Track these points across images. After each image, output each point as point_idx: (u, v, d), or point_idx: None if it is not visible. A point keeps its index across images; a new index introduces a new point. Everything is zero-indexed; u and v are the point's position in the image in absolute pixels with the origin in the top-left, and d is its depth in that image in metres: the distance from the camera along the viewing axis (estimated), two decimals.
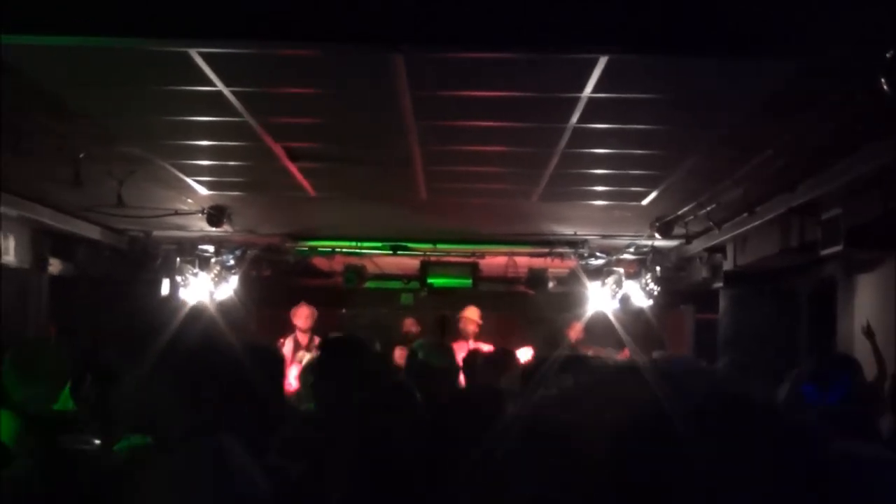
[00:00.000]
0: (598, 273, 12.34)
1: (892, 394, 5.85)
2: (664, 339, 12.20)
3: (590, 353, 11.47)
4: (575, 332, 11.99)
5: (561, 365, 5.39)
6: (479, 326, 11.55)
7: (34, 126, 6.21)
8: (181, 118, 6.40)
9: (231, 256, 11.97)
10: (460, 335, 11.31)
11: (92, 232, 10.76)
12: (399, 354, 11.77)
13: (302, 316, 11.31)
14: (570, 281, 12.64)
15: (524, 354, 10.36)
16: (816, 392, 4.58)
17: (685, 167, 7.38)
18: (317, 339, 11.12)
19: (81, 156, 6.97)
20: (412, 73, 5.20)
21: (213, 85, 5.46)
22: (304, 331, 11.10)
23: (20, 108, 5.83)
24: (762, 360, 9.30)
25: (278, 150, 7.13)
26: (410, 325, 12.41)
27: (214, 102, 5.83)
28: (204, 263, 11.84)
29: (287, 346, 11.13)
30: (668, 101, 5.68)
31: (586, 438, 2.02)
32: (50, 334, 10.26)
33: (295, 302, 12.03)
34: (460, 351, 9.84)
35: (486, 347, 10.69)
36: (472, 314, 11.47)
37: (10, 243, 9.28)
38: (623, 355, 11.48)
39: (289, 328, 11.49)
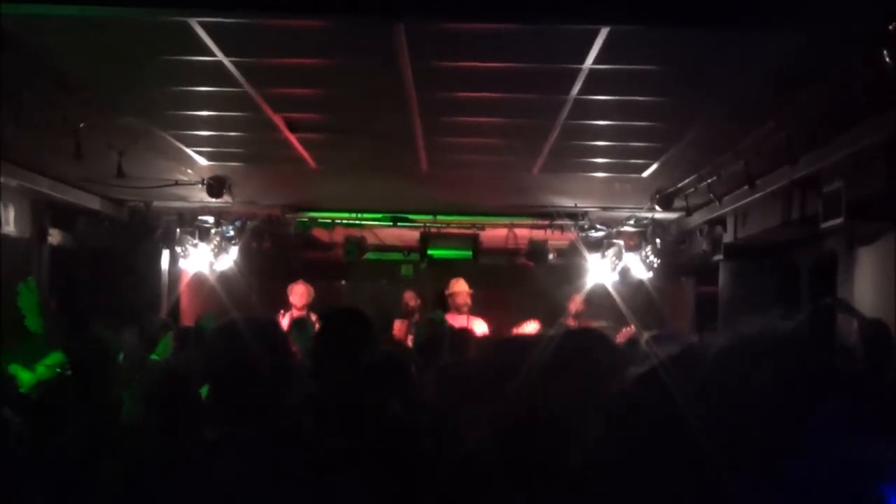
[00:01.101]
0: (599, 245, 12.32)
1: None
2: (665, 317, 12.18)
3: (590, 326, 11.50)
4: (575, 304, 11.98)
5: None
6: (472, 297, 11.33)
7: (35, 97, 6.19)
8: (181, 88, 6.39)
9: (231, 227, 11.95)
10: (455, 310, 11.09)
11: (92, 202, 10.74)
12: (398, 327, 11.78)
13: (297, 293, 11.26)
14: (571, 253, 12.62)
15: (531, 329, 10.35)
16: None
17: (686, 139, 7.37)
18: (313, 316, 11.07)
19: (81, 125, 6.94)
20: (413, 44, 5.18)
21: (214, 55, 5.45)
22: (300, 308, 11.05)
23: (21, 79, 5.81)
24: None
25: (278, 120, 7.11)
26: (410, 298, 12.37)
27: (215, 73, 5.82)
28: (204, 234, 11.82)
29: (285, 323, 11.09)
30: (669, 73, 5.67)
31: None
32: (50, 306, 10.25)
33: (295, 273, 12.02)
34: (459, 325, 9.86)
35: (479, 323, 10.69)
36: (462, 286, 11.19)
37: (10, 214, 9.26)
38: (627, 332, 11.49)
39: (288, 301, 11.47)
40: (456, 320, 10.37)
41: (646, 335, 6.81)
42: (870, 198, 7.01)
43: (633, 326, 11.50)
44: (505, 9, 4.63)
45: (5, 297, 8.47)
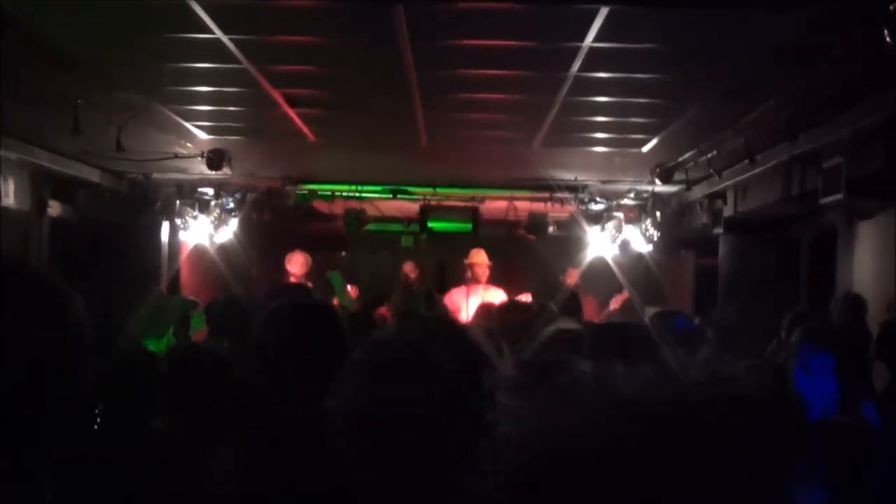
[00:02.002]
0: (598, 218, 12.33)
1: (879, 341, 5.82)
2: (664, 290, 12.21)
3: (585, 301, 11.52)
4: (571, 278, 11.99)
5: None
6: (490, 268, 11.24)
7: (33, 74, 6.17)
8: (180, 65, 6.38)
9: (231, 199, 11.93)
10: (474, 280, 10.94)
11: (92, 175, 10.73)
12: (397, 299, 11.79)
13: (297, 263, 11.20)
14: (571, 225, 12.63)
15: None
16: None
17: (686, 116, 7.35)
18: (311, 286, 11.05)
19: (79, 102, 6.92)
20: (412, 21, 5.17)
21: (212, 33, 5.43)
22: (298, 278, 11.01)
23: (20, 56, 5.79)
24: (761, 308, 9.36)
25: (278, 96, 7.10)
26: (409, 270, 12.38)
27: (213, 50, 5.81)
28: (204, 206, 11.81)
29: None
30: (669, 51, 5.65)
31: None
32: None
33: (295, 246, 12.01)
34: (475, 296, 9.90)
35: (497, 292, 10.66)
36: (482, 258, 11.07)
37: (10, 186, 9.26)
38: (620, 297, 11.52)
39: (286, 271, 11.42)
40: (473, 290, 10.41)
41: (649, 311, 6.84)
42: (869, 176, 7.01)
43: (625, 293, 11.55)
44: None
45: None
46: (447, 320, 2.17)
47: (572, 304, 8.92)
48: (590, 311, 11.46)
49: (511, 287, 11.06)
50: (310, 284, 11.04)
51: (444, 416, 1.96)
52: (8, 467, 1.36)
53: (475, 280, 10.69)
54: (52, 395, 1.41)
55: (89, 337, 1.49)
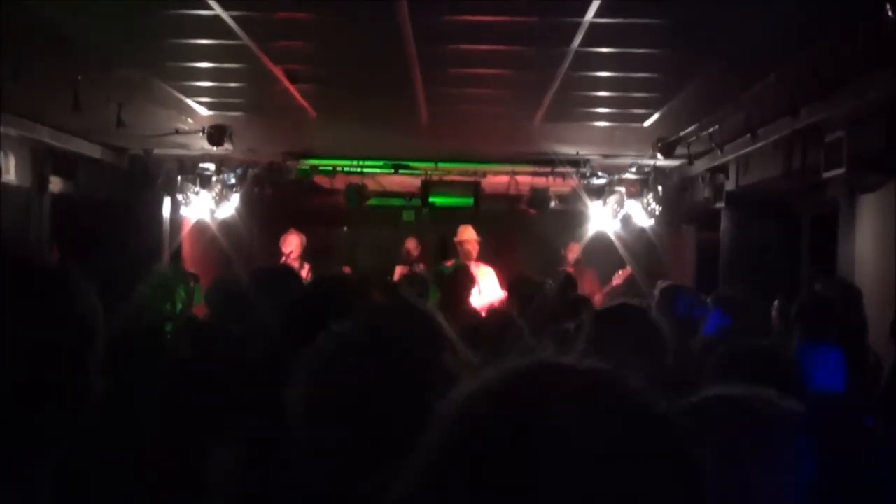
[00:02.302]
0: (600, 192, 12.32)
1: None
2: (666, 266, 12.21)
3: (586, 275, 11.55)
4: (573, 252, 12.01)
5: None
6: (479, 244, 11.38)
7: (34, 51, 6.16)
8: (180, 41, 6.36)
9: (232, 175, 11.93)
10: (464, 257, 11.10)
11: (93, 151, 10.73)
12: (400, 273, 11.82)
13: (292, 244, 11.22)
14: (572, 199, 12.62)
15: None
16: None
17: (688, 90, 7.34)
18: (307, 266, 11.05)
19: (79, 78, 6.91)
20: None
21: (212, 9, 5.41)
22: (294, 259, 11.00)
23: (19, 33, 5.78)
24: (763, 282, 9.37)
25: (278, 72, 7.08)
26: (412, 246, 12.42)
27: (213, 26, 5.79)
28: (205, 182, 11.80)
29: None
30: (670, 26, 5.64)
31: None
32: (52, 254, 10.28)
33: (296, 221, 12.01)
34: None
35: (486, 270, 10.71)
36: (470, 234, 11.20)
37: (11, 162, 9.26)
38: (623, 273, 11.54)
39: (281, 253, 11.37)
40: None
41: (659, 285, 6.86)
42: (871, 150, 7.00)
43: (628, 268, 11.59)
44: None
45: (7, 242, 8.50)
46: (411, 305, 2.13)
47: (568, 286, 8.93)
48: (591, 285, 11.49)
49: (514, 260, 11.11)
50: (306, 265, 11.07)
51: (404, 402, 1.92)
52: (11, 461, 1.36)
53: (466, 258, 10.75)
54: (61, 390, 1.41)
55: (96, 328, 1.49)
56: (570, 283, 9.20)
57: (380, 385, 1.95)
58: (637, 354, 3.46)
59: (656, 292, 6.44)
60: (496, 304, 9.60)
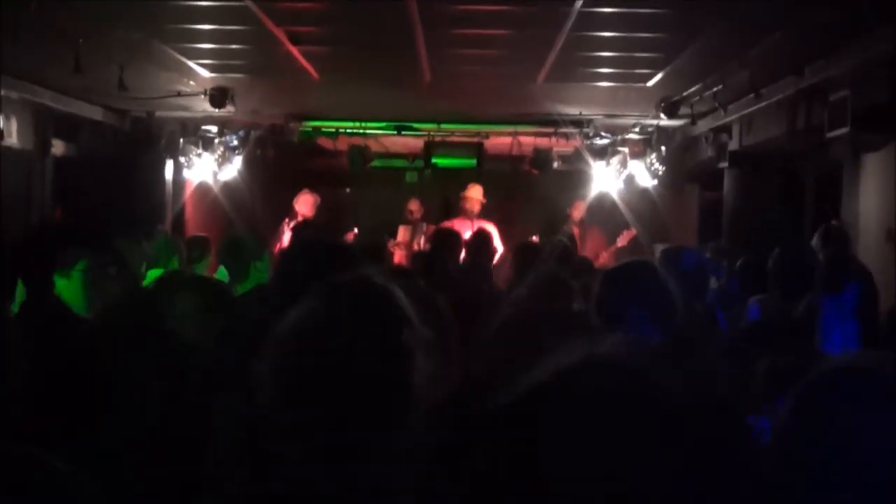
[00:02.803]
0: (603, 153, 12.29)
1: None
2: (669, 224, 12.21)
3: (591, 234, 11.58)
4: (578, 211, 12.01)
5: None
6: (483, 205, 11.55)
7: (34, 13, 6.13)
8: (181, 3, 6.34)
9: (235, 137, 11.90)
10: (464, 214, 11.29)
11: (95, 113, 10.71)
12: (402, 233, 11.86)
13: (307, 204, 11.24)
14: (575, 159, 12.61)
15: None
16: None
17: (691, 50, 7.31)
18: (355, 230, 11.16)
19: (80, 41, 6.89)
20: None
21: None
22: (307, 218, 11.02)
23: None
24: (767, 242, 9.37)
25: (280, 33, 7.05)
26: (414, 205, 12.43)
27: None
28: (207, 144, 11.77)
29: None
30: None
31: None
32: (55, 217, 10.30)
33: (299, 182, 12.01)
34: (464, 229, 9.94)
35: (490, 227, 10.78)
36: (475, 193, 11.44)
37: (13, 125, 9.25)
38: (628, 234, 11.55)
39: (293, 210, 11.42)
40: (463, 225, 10.53)
41: (658, 248, 6.87)
42: (875, 109, 6.98)
43: (633, 229, 11.60)
44: None
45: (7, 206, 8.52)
46: (371, 282, 2.16)
47: (564, 256, 8.90)
48: (597, 244, 11.51)
49: (516, 220, 11.16)
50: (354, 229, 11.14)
51: (365, 378, 1.98)
52: None
53: (465, 214, 10.98)
54: None
55: None
56: (565, 253, 9.15)
57: (338, 364, 1.99)
58: (647, 313, 3.47)
59: (657, 255, 6.45)
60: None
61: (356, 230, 12.14)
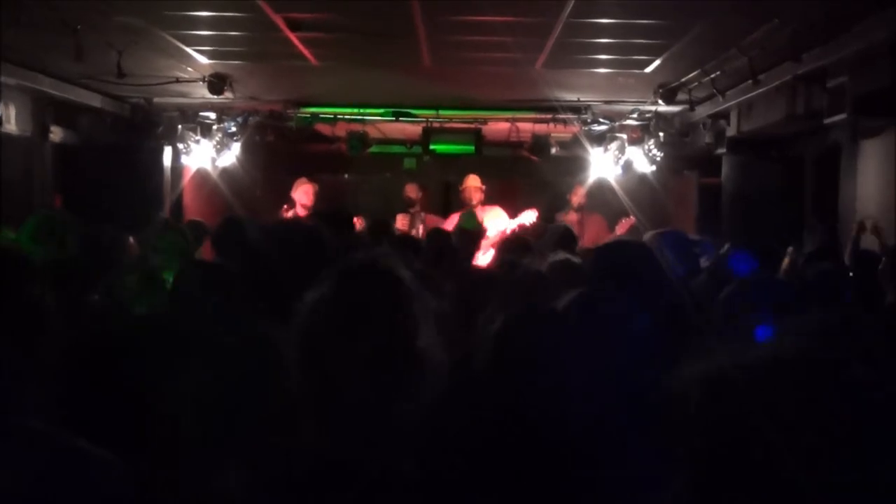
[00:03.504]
0: (601, 139, 12.30)
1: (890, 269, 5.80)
2: (668, 210, 12.22)
3: (592, 220, 11.60)
4: (578, 196, 12.02)
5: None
6: (484, 192, 11.58)
7: (33, 1, 6.14)
8: None
9: (233, 123, 11.91)
10: (466, 204, 11.33)
11: (93, 100, 10.70)
12: (401, 221, 11.86)
13: (306, 193, 11.23)
14: (574, 145, 12.62)
15: (528, 217, 10.54)
16: None
17: (690, 36, 7.31)
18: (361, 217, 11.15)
19: (79, 27, 6.89)
20: None
21: None
22: (307, 207, 11.02)
23: None
24: (765, 226, 9.39)
25: (279, 20, 7.05)
26: (412, 191, 12.41)
27: None
28: (206, 130, 11.79)
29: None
30: None
31: None
32: (55, 203, 10.31)
33: (298, 168, 12.01)
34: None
35: (495, 212, 10.90)
36: (473, 182, 11.47)
37: (12, 112, 9.26)
38: (627, 222, 11.55)
39: (291, 198, 11.40)
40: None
41: (651, 233, 6.86)
42: (874, 94, 6.99)
43: (632, 217, 11.60)
44: None
45: (9, 195, 8.53)
46: (380, 267, 2.38)
47: (567, 240, 8.90)
48: (599, 230, 11.52)
49: (515, 206, 11.16)
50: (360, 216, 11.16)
51: (375, 347, 2.19)
52: None
53: (466, 203, 11.07)
54: None
55: None
56: (568, 237, 9.14)
57: (353, 334, 2.20)
58: (637, 289, 3.50)
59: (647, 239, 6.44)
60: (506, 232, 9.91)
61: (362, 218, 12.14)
